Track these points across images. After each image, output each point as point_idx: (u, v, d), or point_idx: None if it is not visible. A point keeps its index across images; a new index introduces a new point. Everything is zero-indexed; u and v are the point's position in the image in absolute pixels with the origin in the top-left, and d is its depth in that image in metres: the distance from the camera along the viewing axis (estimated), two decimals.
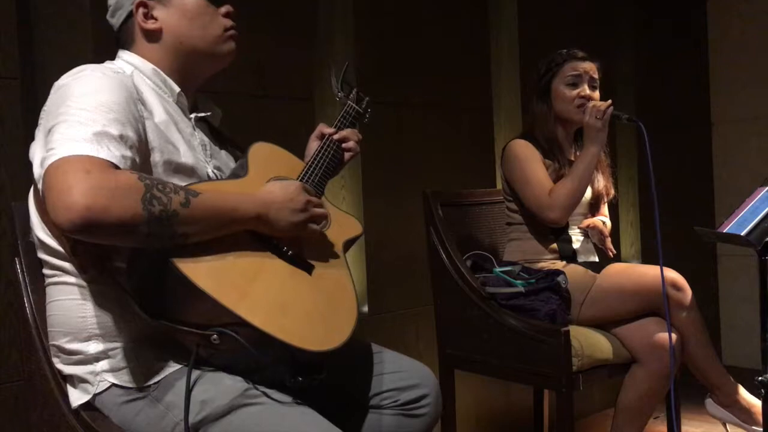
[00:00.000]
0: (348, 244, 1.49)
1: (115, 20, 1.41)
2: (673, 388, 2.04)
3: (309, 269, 1.34)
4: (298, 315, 1.24)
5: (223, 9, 1.43)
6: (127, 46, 1.41)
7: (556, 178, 2.26)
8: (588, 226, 2.33)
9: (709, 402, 2.16)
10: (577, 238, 2.33)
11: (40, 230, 1.28)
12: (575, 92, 2.27)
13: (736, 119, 3.93)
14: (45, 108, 1.25)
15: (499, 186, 2.51)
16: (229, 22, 1.43)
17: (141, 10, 1.38)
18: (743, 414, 2.10)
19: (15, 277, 1.37)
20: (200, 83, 1.47)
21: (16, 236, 1.37)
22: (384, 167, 2.55)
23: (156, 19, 1.38)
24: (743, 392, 2.12)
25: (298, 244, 1.34)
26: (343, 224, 1.50)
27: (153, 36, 1.39)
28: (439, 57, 2.80)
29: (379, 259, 2.50)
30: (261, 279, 1.23)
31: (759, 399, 1.94)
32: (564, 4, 3.32)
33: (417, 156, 2.68)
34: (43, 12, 1.81)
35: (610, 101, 2.17)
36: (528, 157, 2.27)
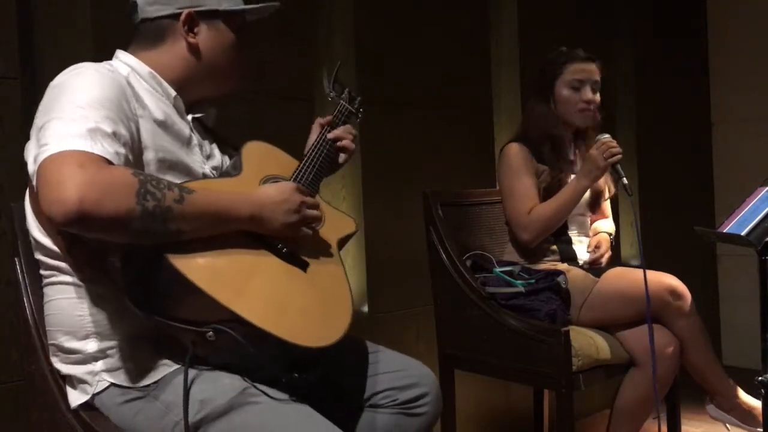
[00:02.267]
0: (342, 242, 1.49)
1: (151, 10, 1.38)
2: (673, 391, 2.05)
3: (304, 267, 1.34)
4: (294, 312, 1.24)
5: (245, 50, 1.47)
6: (141, 42, 1.39)
7: (551, 181, 2.26)
8: (596, 246, 2.32)
9: (710, 407, 2.16)
10: (576, 239, 2.33)
11: (36, 231, 1.28)
12: (578, 96, 2.26)
13: (736, 119, 3.93)
14: (39, 107, 1.24)
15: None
16: (246, 64, 1.47)
17: (189, 24, 1.38)
18: (745, 416, 2.11)
19: (15, 277, 1.37)
20: (197, 97, 1.46)
21: (16, 236, 1.37)
22: (384, 167, 2.55)
23: (195, 35, 1.39)
24: (743, 395, 2.13)
25: (294, 242, 1.34)
26: (336, 222, 1.50)
27: (189, 47, 1.39)
28: (439, 57, 2.80)
29: (379, 259, 2.50)
30: (256, 276, 1.23)
31: (758, 399, 1.95)
32: (564, 4, 3.32)
33: (417, 156, 2.68)
34: (43, 12, 1.81)
35: (620, 153, 2.13)
36: (518, 167, 2.26)
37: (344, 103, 1.61)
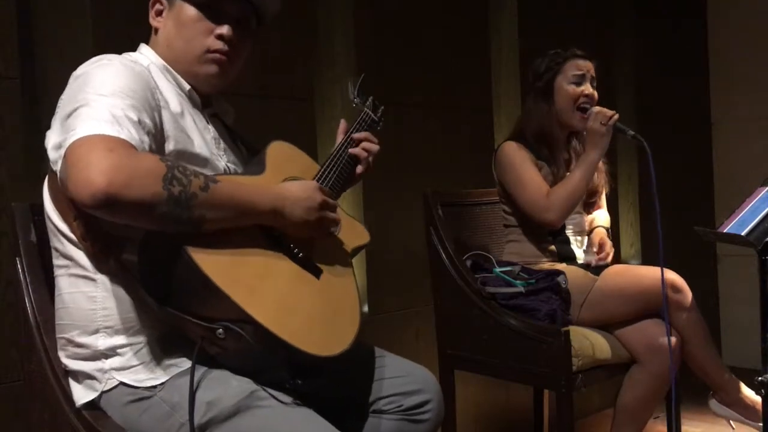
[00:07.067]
0: (354, 252, 1.49)
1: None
2: (674, 389, 2.04)
3: (317, 273, 1.34)
4: (303, 318, 1.24)
5: (219, 30, 1.36)
6: (150, 37, 1.42)
7: (551, 178, 2.26)
8: (600, 244, 2.31)
9: (713, 402, 2.16)
10: (575, 239, 2.33)
11: (54, 216, 1.28)
12: (579, 90, 2.26)
13: (736, 119, 3.93)
14: (63, 97, 1.25)
15: None
16: (216, 45, 1.36)
17: (156, 7, 1.40)
18: (747, 411, 2.10)
19: (15, 277, 1.37)
20: (202, 89, 1.44)
21: (17, 236, 1.37)
22: (384, 167, 2.53)
23: (161, 18, 1.40)
24: (745, 389, 2.12)
25: (309, 247, 1.34)
26: (352, 231, 1.50)
27: (155, 32, 1.41)
28: (439, 57, 2.80)
29: (379, 259, 2.50)
30: (271, 278, 1.23)
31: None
32: (564, 4, 3.32)
33: (417, 156, 2.68)
34: (43, 12, 1.81)
35: (616, 113, 2.15)
36: (521, 159, 2.27)
37: (368, 111, 1.62)
